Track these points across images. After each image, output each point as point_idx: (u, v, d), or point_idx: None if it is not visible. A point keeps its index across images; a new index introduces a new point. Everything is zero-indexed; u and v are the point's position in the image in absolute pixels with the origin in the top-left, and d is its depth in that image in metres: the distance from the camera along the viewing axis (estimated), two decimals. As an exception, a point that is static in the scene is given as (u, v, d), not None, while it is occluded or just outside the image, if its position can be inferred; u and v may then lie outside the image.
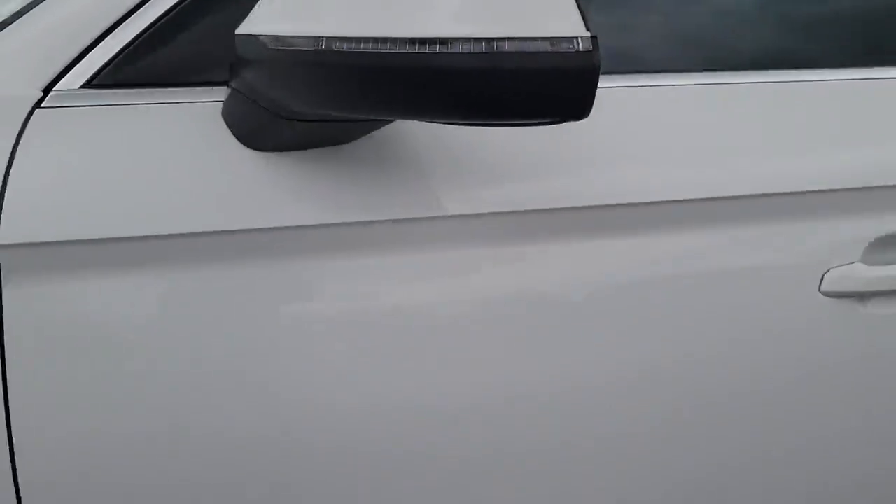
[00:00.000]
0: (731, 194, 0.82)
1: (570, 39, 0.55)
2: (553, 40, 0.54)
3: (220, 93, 0.70)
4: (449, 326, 0.76)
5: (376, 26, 0.56)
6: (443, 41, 0.55)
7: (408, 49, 0.56)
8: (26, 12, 0.70)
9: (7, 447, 0.67)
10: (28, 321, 0.66)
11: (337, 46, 0.56)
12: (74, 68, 0.68)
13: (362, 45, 0.56)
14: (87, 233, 0.65)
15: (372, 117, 0.65)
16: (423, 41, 0.55)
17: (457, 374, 0.76)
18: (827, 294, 0.87)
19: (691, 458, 0.87)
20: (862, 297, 0.89)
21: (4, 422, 0.66)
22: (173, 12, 0.71)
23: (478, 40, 0.55)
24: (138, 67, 0.70)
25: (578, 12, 0.55)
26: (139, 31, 0.70)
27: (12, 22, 0.70)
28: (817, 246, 0.88)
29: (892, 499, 1.02)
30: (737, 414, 0.88)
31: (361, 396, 0.73)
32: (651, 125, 0.81)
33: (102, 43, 0.69)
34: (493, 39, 0.55)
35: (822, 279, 0.87)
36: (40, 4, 0.70)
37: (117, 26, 0.69)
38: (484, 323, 0.76)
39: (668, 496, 0.89)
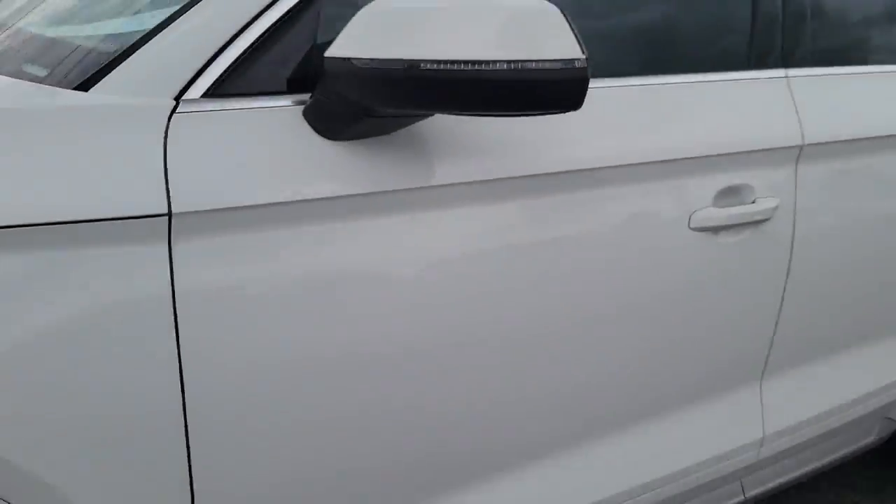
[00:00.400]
0: (627, 162, 1.20)
1: (572, 60, 0.88)
2: (564, 61, 0.87)
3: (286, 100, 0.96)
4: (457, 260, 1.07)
5: (442, 52, 0.85)
6: (486, 62, 0.86)
7: (465, 67, 0.86)
8: (157, 32, 0.92)
9: (179, 390, 0.89)
10: (194, 277, 0.88)
11: (418, 66, 0.85)
12: (196, 81, 0.91)
13: (435, 66, 0.85)
14: (231, 202, 0.89)
15: (431, 113, 0.94)
16: (475, 62, 0.86)
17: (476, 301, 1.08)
18: (693, 229, 1.27)
19: (610, 347, 1.25)
20: (715, 230, 1.30)
21: (177, 366, 0.88)
22: (265, 36, 0.95)
23: (511, 62, 0.86)
24: (241, 81, 0.94)
25: (577, 41, 0.88)
26: (239, 52, 0.94)
27: (150, 38, 0.92)
28: (685, 197, 1.28)
29: (731, 376, 1.46)
30: (644, 314, 1.26)
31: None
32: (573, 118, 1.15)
33: (215, 61, 0.92)
34: (520, 61, 0.86)
35: (689, 219, 1.27)
36: (169, 25, 0.93)
37: (224, 49, 0.93)
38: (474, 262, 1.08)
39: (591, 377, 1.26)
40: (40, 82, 0.95)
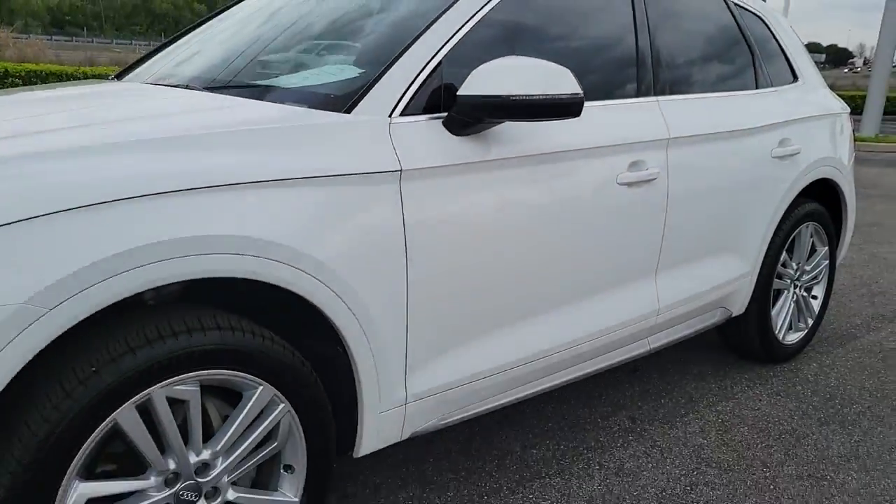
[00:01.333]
0: (587, 146, 2.24)
1: (575, 94, 1.90)
2: (571, 95, 1.90)
3: (432, 115, 1.93)
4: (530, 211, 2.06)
5: (515, 90, 1.86)
6: (536, 95, 1.87)
7: (527, 97, 1.86)
8: (374, 84, 1.87)
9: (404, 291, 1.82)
10: (412, 205, 1.81)
11: (507, 98, 1.85)
12: (395, 108, 1.86)
13: (513, 97, 1.85)
14: (423, 165, 1.84)
15: (504, 121, 1.93)
16: (531, 95, 1.87)
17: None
18: (618, 184, 2.33)
19: (574, 250, 2.27)
20: (629, 184, 2.36)
21: (404, 251, 1.81)
22: (421, 86, 1.91)
23: (545, 95, 1.88)
24: (412, 107, 1.89)
25: (577, 84, 1.90)
26: (411, 95, 1.89)
27: (371, 87, 1.86)
28: (614, 166, 2.33)
29: (639, 271, 2.52)
30: (594, 232, 2.30)
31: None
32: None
33: (402, 99, 1.88)
34: (551, 94, 1.88)
35: (616, 178, 2.32)
36: (378, 81, 1.87)
37: (405, 93, 1.88)
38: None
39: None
40: (328, 110, 1.85)
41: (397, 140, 1.83)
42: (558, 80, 1.89)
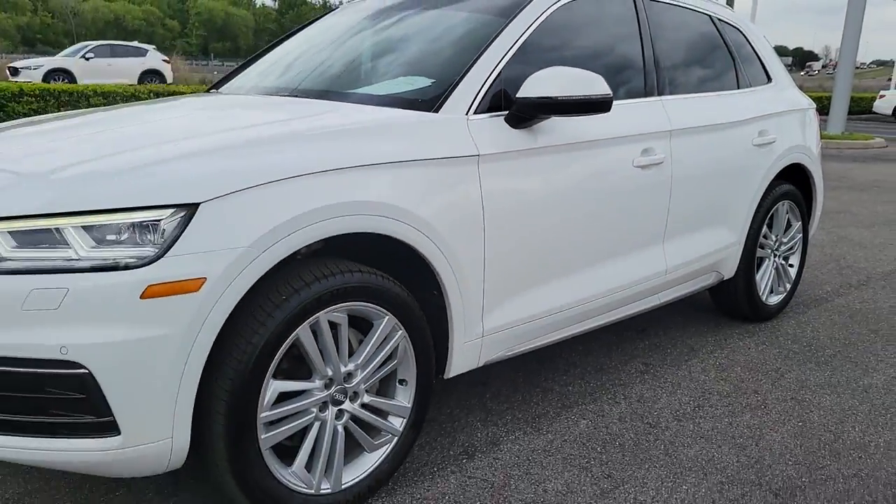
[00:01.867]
0: (611, 136, 2.82)
1: (606, 94, 2.49)
2: (603, 95, 2.48)
3: (496, 113, 2.50)
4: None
5: (560, 92, 2.43)
6: (577, 95, 2.45)
7: (570, 97, 2.44)
8: (453, 89, 2.44)
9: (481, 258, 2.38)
10: (487, 183, 2.37)
11: (555, 98, 2.42)
12: (470, 108, 2.43)
13: (560, 98, 2.43)
14: (494, 150, 2.41)
15: (550, 116, 2.50)
16: (573, 96, 2.44)
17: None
18: (634, 167, 2.91)
19: (602, 221, 2.86)
20: (643, 167, 2.95)
21: (482, 221, 2.37)
22: (486, 90, 2.49)
23: (583, 96, 2.46)
24: (481, 107, 2.46)
25: (607, 86, 2.49)
26: (481, 97, 2.46)
27: (451, 92, 2.43)
28: (630, 152, 2.91)
29: (650, 239, 3.11)
30: (616, 207, 2.88)
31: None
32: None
33: (475, 100, 2.45)
34: (589, 95, 2.46)
35: (632, 161, 2.91)
36: (457, 86, 2.44)
37: (476, 97, 2.45)
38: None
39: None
40: (420, 111, 2.41)
41: (473, 132, 2.39)
42: (592, 84, 2.47)
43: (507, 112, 2.50)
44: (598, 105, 2.49)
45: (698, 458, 2.57)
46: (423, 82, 2.63)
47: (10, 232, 1.74)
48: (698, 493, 2.35)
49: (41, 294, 1.66)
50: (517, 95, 2.46)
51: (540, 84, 2.44)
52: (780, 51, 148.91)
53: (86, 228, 1.73)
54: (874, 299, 4.49)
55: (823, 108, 17.52)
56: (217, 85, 3.38)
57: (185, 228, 1.77)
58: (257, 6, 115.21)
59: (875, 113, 25.93)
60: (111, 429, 1.75)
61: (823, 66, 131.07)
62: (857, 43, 16.08)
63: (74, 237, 1.72)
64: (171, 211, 1.77)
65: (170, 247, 1.75)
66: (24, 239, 1.73)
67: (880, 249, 5.84)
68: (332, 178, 2.00)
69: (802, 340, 3.75)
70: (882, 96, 25.98)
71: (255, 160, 1.93)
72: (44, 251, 1.72)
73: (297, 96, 2.76)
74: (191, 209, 1.78)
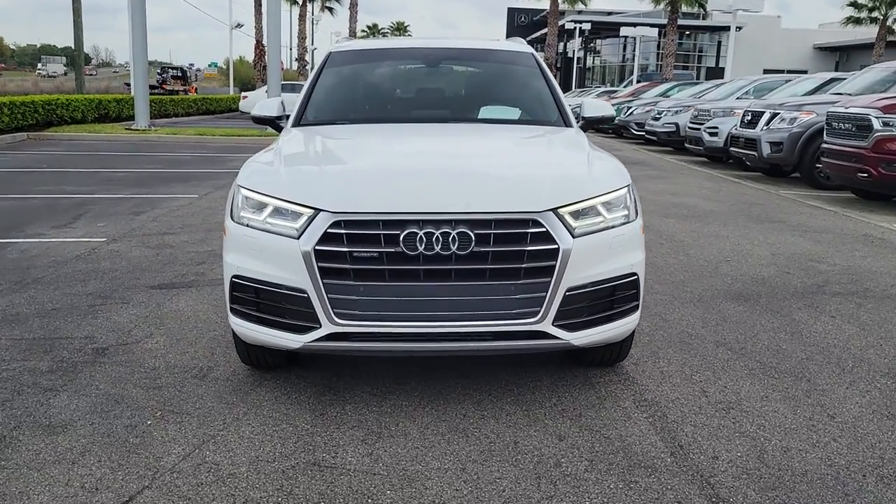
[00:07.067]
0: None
1: (611, 115, 4.49)
2: (612, 114, 4.47)
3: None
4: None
5: (599, 113, 4.36)
6: (602, 115, 4.40)
7: (603, 116, 4.39)
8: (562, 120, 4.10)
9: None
10: None
11: (598, 116, 4.33)
12: (574, 122, 4.15)
13: (599, 116, 4.35)
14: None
15: (597, 125, 4.37)
16: (602, 115, 4.39)
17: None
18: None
19: None
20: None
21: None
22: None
23: (603, 115, 4.43)
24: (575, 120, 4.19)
25: (612, 108, 4.48)
26: (573, 110, 4.19)
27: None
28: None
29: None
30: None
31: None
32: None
33: (573, 115, 4.17)
34: (605, 115, 4.44)
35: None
36: (564, 104, 4.11)
37: (573, 110, 4.18)
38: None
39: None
40: (551, 126, 4.02)
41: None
42: (606, 107, 4.43)
43: (580, 124, 4.29)
44: (609, 119, 4.45)
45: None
46: (514, 113, 4.20)
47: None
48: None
49: (617, 238, 3.01)
50: (583, 115, 4.27)
51: (590, 108, 4.30)
52: (48, 50, 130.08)
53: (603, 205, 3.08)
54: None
55: (130, 107, 21.51)
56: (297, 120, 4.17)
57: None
58: None
59: (243, 112, 30.85)
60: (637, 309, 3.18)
61: (100, 66, 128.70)
62: (145, 44, 19.48)
63: (601, 211, 3.06)
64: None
65: None
66: (580, 215, 2.99)
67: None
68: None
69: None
70: (245, 97, 31.89)
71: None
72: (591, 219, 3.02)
73: (461, 122, 4.08)
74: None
